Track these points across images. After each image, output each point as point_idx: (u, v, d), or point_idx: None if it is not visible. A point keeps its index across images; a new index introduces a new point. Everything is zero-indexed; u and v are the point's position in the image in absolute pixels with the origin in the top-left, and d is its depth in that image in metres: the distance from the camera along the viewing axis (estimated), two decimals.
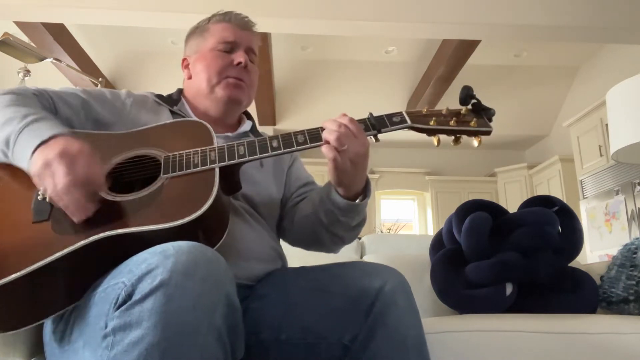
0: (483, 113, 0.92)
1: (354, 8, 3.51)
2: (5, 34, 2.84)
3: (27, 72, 3.48)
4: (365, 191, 0.94)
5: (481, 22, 3.56)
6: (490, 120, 0.91)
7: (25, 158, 0.76)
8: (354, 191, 0.92)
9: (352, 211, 0.94)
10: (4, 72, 4.34)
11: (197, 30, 1.13)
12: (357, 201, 0.93)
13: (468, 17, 3.54)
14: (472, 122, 0.90)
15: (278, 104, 5.80)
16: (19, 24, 3.92)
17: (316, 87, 5.70)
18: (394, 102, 5.72)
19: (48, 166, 0.73)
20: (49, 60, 3.22)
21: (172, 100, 1.09)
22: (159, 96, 1.10)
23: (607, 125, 2.81)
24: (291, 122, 5.90)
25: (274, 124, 5.89)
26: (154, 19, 3.51)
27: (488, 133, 0.91)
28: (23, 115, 0.81)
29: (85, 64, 4.73)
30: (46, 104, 0.92)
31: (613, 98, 1.84)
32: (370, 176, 6.86)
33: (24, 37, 3.76)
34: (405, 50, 5.18)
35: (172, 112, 1.06)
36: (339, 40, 4.92)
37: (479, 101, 0.91)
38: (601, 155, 4.35)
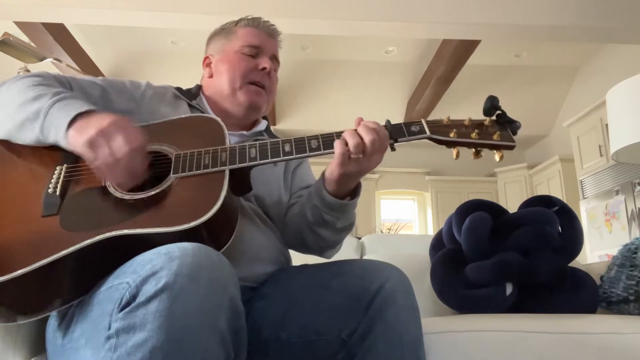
0: (508, 125, 0.86)
1: (354, 8, 3.51)
2: (5, 34, 2.85)
3: (27, 72, 3.48)
4: (354, 192, 0.93)
5: (481, 22, 3.56)
6: (515, 133, 0.86)
7: (60, 130, 0.79)
8: (344, 190, 0.91)
9: (338, 210, 0.93)
10: (4, 72, 4.33)
11: (223, 32, 1.13)
12: (345, 200, 0.92)
13: (468, 17, 3.54)
14: (495, 135, 0.85)
15: (278, 104, 5.80)
16: (19, 24, 3.92)
17: (316, 87, 5.70)
18: (394, 102, 5.72)
19: (104, 132, 0.76)
20: (49, 60, 3.23)
21: (191, 95, 1.10)
22: (178, 89, 1.10)
23: (607, 125, 2.81)
24: (291, 122, 5.91)
25: (274, 124, 5.90)
26: (153, 19, 3.51)
27: (511, 147, 0.86)
28: (54, 92, 0.84)
29: (85, 64, 4.73)
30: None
31: (613, 98, 1.84)
32: (370, 176, 6.95)
33: (24, 37, 3.77)
34: (405, 50, 5.18)
35: (190, 106, 1.06)
36: (339, 40, 4.92)
37: (504, 112, 0.86)
38: (601, 155, 4.35)
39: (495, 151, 0.87)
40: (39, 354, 0.91)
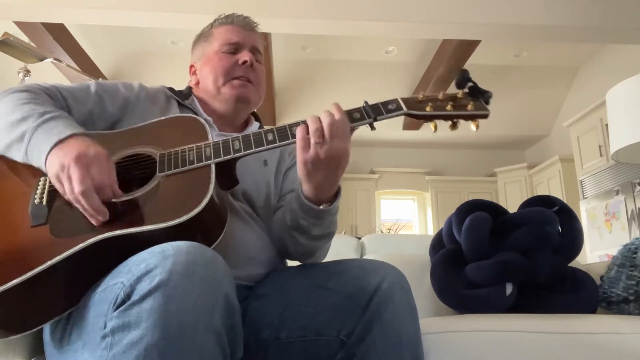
0: (480, 96, 0.89)
1: (354, 8, 3.51)
2: (5, 34, 2.85)
3: (27, 72, 3.48)
4: (332, 200, 0.89)
5: (481, 22, 3.56)
6: (487, 102, 0.89)
7: (41, 156, 0.77)
8: (321, 195, 0.87)
9: (313, 216, 0.89)
10: (4, 72, 4.34)
11: (202, 37, 1.14)
12: (321, 207, 0.88)
13: (468, 17, 3.54)
14: (469, 106, 0.88)
15: (278, 104, 5.80)
16: (19, 24, 3.92)
17: (316, 87, 5.70)
18: None
19: (64, 169, 0.74)
20: (49, 60, 3.23)
21: (183, 95, 1.09)
22: (171, 89, 1.10)
23: (607, 125, 2.81)
24: (291, 122, 5.90)
25: (274, 124, 5.89)
26: (154, 19, 3.51)
27: (485, 116, 0.89)
28: (40, 113, 0.82)
29: (85, 64, 4.73)
30: (58, 104, 0.92)
31: (613, 98, 1.84)
32: (370, 176, 6.93)
33: (24, 37, 3.77)
34: (405, 50, 5.18)
35: (182, 106, 1.06)
36: (339, 40, 4.92)
37: (475, 84, 0.89)
38: (601, 155, 4.35)
39: (471, 121, 0.89)
40: (38, 355, 0.91)
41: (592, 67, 5.29)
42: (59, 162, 0.74)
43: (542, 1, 3.55)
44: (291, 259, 1.03)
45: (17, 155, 0.82)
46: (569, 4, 3.55)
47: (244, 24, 1.11)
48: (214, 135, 0.91)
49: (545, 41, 4.76)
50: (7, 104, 0.85)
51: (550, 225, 1.37)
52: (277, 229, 0.99)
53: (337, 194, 0.90)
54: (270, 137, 0.85)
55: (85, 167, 0.74)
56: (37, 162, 0.79)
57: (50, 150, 0.76)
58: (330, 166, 0.82)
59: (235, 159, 0.85)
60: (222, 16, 1.12)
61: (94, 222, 0.74)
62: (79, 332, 0.71)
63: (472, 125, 0.89)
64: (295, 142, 0.83)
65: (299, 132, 0.82)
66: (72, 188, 0.73)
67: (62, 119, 0.83)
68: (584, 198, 4.49)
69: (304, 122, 0.84)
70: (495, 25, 3.59)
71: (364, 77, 5.50)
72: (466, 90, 0.89)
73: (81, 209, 0.74)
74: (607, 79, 4.68)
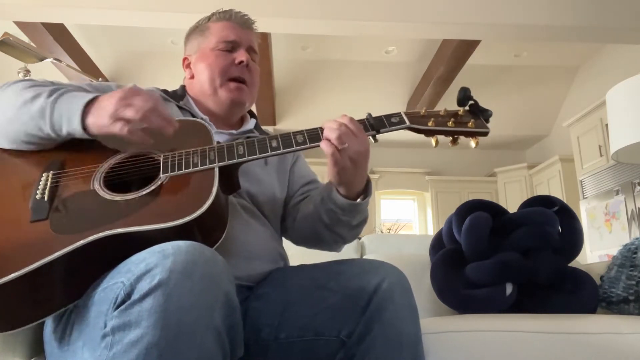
0: (480, 114, 0.93)
1: (354, 8, 3.51)
2: (5, 34, 2.85)
3: (27, 72, 3.48)
4: (365, 190, 0.94)
5: (481, 22, 3.56)
6: (487, 121, 0.92)
7: (73, 120, 0.81)
8: (354, 190, 0.92)
9: (353, 210, 0.94)
10: (4, 72, 4.34)
11: (198, 29, 1.13)
12: (358, 200, 0.93)
13: (468, 17, 3.54)
14: (470, 123, 0.91)
15: (278, 104, 5.80)
16: (19, 24, 3.92)
17: (316, 87, 5.70)
18: (394, 102, 5.72)
19: (124, 100, 0.80)
20: (49, 60, 3.23)
21: (178, 96, 1.10)
22: (165, 91, 1.10)
23: (607, 125, 2.81)
24: (291, 122, 5.90)
25: (274, 124, 5.89)
26: (154, 19, 3.51)
27: (485, 134, 0.92)
28: (51, 90, 0.85)
29: (85, 64, 4.73)
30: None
31: (613, 98, 1.84)
32: (370, 176, 6.95)
33: (24, 37, 3.77)
34: (405, 50, 5.18)
35: (178, 107, 1.06)
36: (339, 40, 4.92)
37: (476, 102, 0.92)
38: (601, 155, 4.35)
39: (470, 138, 0.93)
40: (38, 354, 0.91)
41: (592, 67, 5.29)
42: (111, 102, 0.80)
43: (542, 1, 3.55)
44: (324, 248, 1.08)
45: (36, 132, 0.83)
46: (569, 4, 3.56)
47: (242, 22, 1.11)
48: (219, 138, 0.92)
49: (545, 41, 4.76)
50: (14, 90, 0.87)
51: (550, 225, 1.37)
52: (310, 225, 1.02)
53: (367, 183, 0.95)
54: (274, 144, 0.87)
55: (139, 91, 0.82)
56: (67, 128, 0.82)
57: (84, 109, 0.81)
58: (359, 164, 0.87)
59: (239, 164, 0.86)
60: (220, 11, 1.12)
61: (168, 131, 0.82)
62: (79, 332, 0.71)
63: (472, 142, 0.93)
64: (297, 150, 0.88)
65: (327, 148, 0.85)
66: (140, 108, 0.79)
67: (75, 89, 0.87)
68: (584, 198, 4.49)
69: (307, 131, 0.88)
70: (495, 25, 3.59)
71: (364, 77, 5.50)
72: (467, 107, 0.93)
73: (155, 124, 0.81)
74: (607, 79, 4.68)
